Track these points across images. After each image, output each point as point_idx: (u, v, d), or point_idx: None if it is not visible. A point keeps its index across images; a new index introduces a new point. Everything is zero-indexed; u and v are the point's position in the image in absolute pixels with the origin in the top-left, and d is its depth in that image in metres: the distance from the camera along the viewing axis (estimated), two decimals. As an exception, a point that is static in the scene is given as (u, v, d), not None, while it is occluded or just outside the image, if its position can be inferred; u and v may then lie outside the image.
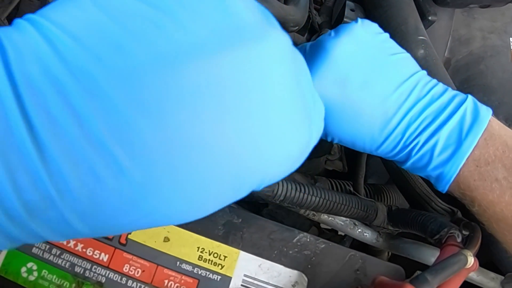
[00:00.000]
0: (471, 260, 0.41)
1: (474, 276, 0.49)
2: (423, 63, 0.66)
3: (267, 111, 0.24)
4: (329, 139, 0.45)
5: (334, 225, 0.53)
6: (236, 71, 0.22)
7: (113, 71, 0.21)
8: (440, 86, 0.42)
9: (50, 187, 0.20)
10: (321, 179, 0.59)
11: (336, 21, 0.76)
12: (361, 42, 0.42)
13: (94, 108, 0.20)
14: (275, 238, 0.41)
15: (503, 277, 0.50)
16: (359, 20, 0.44)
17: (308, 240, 0.41)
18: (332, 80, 0.41)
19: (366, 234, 0.53)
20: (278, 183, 0.45)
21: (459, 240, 0.45)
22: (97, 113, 0.20)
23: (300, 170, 0.64)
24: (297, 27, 0.63)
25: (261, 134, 0.23)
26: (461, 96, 0.42)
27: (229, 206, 0.42)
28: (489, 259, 0.56)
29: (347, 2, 0.76)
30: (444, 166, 0.41)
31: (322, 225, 0.73)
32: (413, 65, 0.44)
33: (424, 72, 0.43)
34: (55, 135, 0.20)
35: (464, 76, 0.76)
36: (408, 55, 0.44)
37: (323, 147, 0.67)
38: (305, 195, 0.46)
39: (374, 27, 0.45)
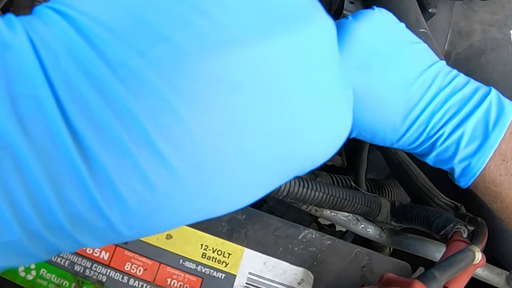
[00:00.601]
0: (479, 256, 0.41)
1: (480, 272, 0.49)
2: (424, 57, 0.65)
3: (316, 95, 0.24)
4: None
5: (337, 221, 0.52)
6: (286, 55, 0.22)
7: (159, 65, 0.19)
8: (462, 77, 0.41)
9: (98, 198, 0.19)
10: (322, 174, 0.59)
11: (335, 14, 0.75)
12: (380, 28, 0.41)
13: (142, 109, 0.19)
14: (280, 235, 0.40)
15: (508, 273, 0.50)
16: (376, 8, 0.42)
17: (313, 236, 0.40)
18: (354, 65, 0.40)
19: (369, 230, 0.52)
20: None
21: (465, 235, 0.44)
22: (146, 114, 0.19)
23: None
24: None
25: (311, 117, 0.23)
26: (484, 88, 0.41)
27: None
28: (492, 254, 0.56)
29: (347, -6, 0.75)
30: (471, 158, 0.40)
31: (322, 221, 0.73)
32: (432, 55, 0.43)
33: (444, 62, 0.42)
34: (101, 142, 0.18)
35: (464, 69, 0.75)
36: (426, 45, 0.43)
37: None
38: (308, 190, 0.45)
39: (391, 16, 0.43)
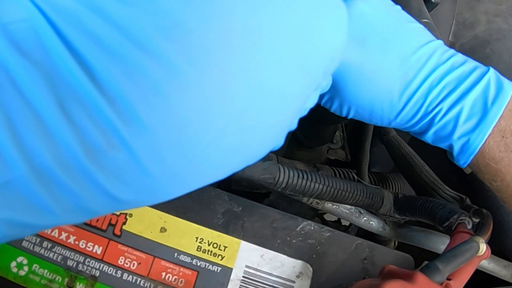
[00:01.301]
0: (483, 247, 0.39)
1: (486, 264, 0.48)
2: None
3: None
4: (344, 111, 0.43)
5: (339, 214, 0.51)
6: None
7: None
8: (460, 56, 0.41)
9: (112, 116, 0.18)
10: (324, 167, 0.57)
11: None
12: (376, 7, 0.41)
13: (141, 16, 0.18)
14: (277, 226, 0.39)
15: (515, 265, 0.48)
16: None
17: (312, 228, 0.39)
18: (351, 39, 0.40)
19: (372, 223, 0.51)
20: (279, 169, 0.43)
21: (469, 227, 0.43)
22: (146, 20, 0.18)
23: (302, 159, 0.63)
24: None
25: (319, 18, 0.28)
26: (482, 67, 0.41)
27: (228, 194, 0.40)
28: (498, 248, 0.54)
29: (348, -14, 0.74)
30: (470, 134, 0.40)
31: (326, 216, 0.72)
32: (429, 34, 0.43)
33: (441, 41, 0.42)
34: (103, 53, 0.17)
35: (469, 60, 0.74)
36: (423, 26, 0.43)
37: (326, 134, 0.65)
38: (308, 182, 0.44)
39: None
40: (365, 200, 0.47)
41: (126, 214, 0.39)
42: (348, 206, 0.51)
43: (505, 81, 0.41)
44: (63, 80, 0.17)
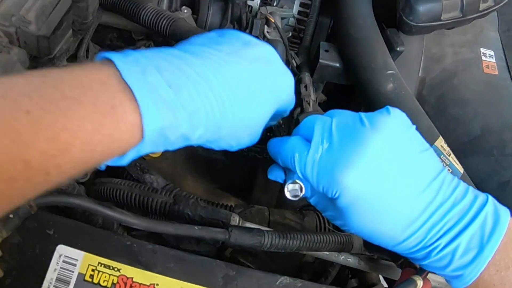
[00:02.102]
0: (421, 283, 0.50)
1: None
2: (393, 96, 0.74)
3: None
4: (346, 229, 0.47)
5: (321, 256, 0.64)
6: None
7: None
8: (462, 186, 0.43)
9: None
10: (309, 214, 0.70)
11: (313, 60, 0.85)
12: (393, 135, 0.42)
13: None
14: (262, 283, 0.53)
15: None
16: (391, 110, 0.44)
17: (288, 281, 0.53)
18: (365, 172, 0.41)
19: (349, 260, 0.64)
20: (264, 235, 0.56)
21: (418, 267, 0.54)
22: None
23: (289, 206, 0.75)
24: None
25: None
26: (482, 197, 0.43)
27: (225, 263, 0.53)
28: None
29: (321, 43, 0.84)
30: (464, 269, 0.41)
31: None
32: (437, 163, 0.44)
33: (446, 170, 0.44)
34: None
35: (439, 92, 0.83)
36: (432, 151, 0.45)
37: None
38: (288, 241, 0.57)
39: (404, 119, 0.45)
40: (337, 246, 0.60)
41: (154, 284, 0.54)
42: (330, 249, 0.64)
43: (501, 210, 0.42)
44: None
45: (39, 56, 0.55)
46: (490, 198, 0.43)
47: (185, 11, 0.78)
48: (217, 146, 0.44)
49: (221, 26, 0.84)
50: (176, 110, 0.36)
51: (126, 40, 0.82)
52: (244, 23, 0.83)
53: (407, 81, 0.80)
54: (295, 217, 0.71)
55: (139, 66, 0.35)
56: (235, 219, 0.62)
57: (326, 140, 0.43)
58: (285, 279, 0.53)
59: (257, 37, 0.79)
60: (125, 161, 0.37)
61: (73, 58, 0.73)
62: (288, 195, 0.47)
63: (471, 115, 0.78)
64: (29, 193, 0.32)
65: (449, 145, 0.71)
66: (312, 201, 0.50)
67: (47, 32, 0.52)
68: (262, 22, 0.80)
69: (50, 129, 0.29)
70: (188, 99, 0.36)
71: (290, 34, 0.91)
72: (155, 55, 0.37)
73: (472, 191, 0.43)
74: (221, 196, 0.85)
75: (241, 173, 0.85)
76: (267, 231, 0.57)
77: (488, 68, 0.82)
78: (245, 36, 0.46)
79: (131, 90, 0.33)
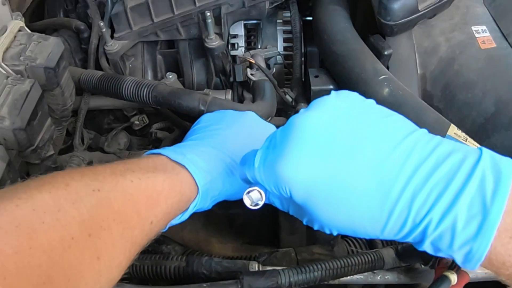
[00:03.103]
0: (455, 278, 0.45)
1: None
2: (391, 100, 0.71)
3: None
4: (327, 231, 0.42)
5: (355, 281, 0.58)
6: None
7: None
8: (445, 144, 0.36)
9: None
10: (338, 242, 0.65)
11: (309, 90, 0.83)
12: (338, 111, 0.38)
13: None
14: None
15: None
16: (333, 92, 0.41)
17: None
18: (311, 157, 0.37)
19: (387, 277, 0.58)
20: (279, 273, 0.52)
21: (450, 262, 0.49)
22: None
23: (320, 241, 0.70)
24: (269, 118, 0.73)
25: None
26: (474, 151, 0.35)
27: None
28: None
29: (309, 70, 0.83)
30: (472, 242, 0.33)
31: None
32: (409, 125, 0.38)
33: (424, 130, 0.37)
34: None
35: (442, 83, 0.79)
36: (401, 116, 0.39)
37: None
38: (308, 274, 0.52)
39: (353, 95, 0.41)
40: (367, 266, 0.55)
41: None
42: (362, 271, 0.58)
43: (503, 162, 0.34)
44: None
45: (21, 149, 0.55)
46: (485, 150, 0.35)
47: (170, 76, 0.79)
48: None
49: (208, 82, 0.85)
50: (208, 173, 0.49)
51: (121, 119, 0.84)
52: (228, 72, 0.83)
53: (407, 82, 0.77)
54: (323, 249, 0.67)
55: (178, 151, 0.50)
56: (254, 267, 0.58)
57: (272, 142, 0.42)
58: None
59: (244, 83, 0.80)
60: (186, 215, 0.49)
61: (70, 148, 0.75)
62: (247, 203, 0.44)
63: (480, 94, 0.73)
64: (142, 240, 0.42)
65: (467, 132, 0.67)
66: (284, 209, 0.50)
67: (22, 125, 0.53)
68: (243, 66, 0.80)
69: (147, 190, 0.42)
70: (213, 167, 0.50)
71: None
72: (181, 146, 0.54)
73: (460, 147, 0.36)
74: (251, 250, 0.81)
75: (263, 222, 0.81)
76: (282, 269, 0.53)
77: (485, 43, 0.77)
78: (232, 113, 0.63)
79: (181, 164, 0.47)
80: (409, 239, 0.36)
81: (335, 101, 0.40)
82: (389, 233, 0.36)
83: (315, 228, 0.44)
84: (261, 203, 0.45)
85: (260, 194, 0.44)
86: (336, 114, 0.38)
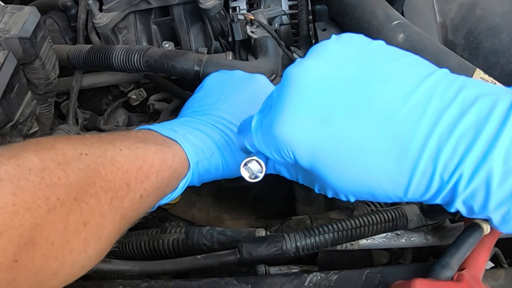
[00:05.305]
0: (487, 227, 0.38)
1: None
2: (408, 45, 0.64)
3: None
4: (343, 198, 0.37)
5: (377, 245, 0.51)
6: None
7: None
8: (470, 87, 0.30)
9: None
10: (358, 206, 0.58)
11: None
12: (339, 58, 0.33)
13: None
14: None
15: None
16: (333, 36, 0.36)
17: (319, 277, 0.41)
18: (311, 113, 0.32)
19: (413, 239, 0.50)
20: (284, 237, 0.46)
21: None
22: None
23: (338, 206, 0.63)
24: (274, 75, 0.66)
25: None
26: (506, 93, 0.30)
27: (235, 278, 0.43)
28: None
29: (316, 23, 0.76)
30: (509, 202, 0.29)
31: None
32: (425, 65, 0.33)
33: (445, 70, 0.32)
34: None
35: (465, 30, 0.72)
36: (417, 57, 0.34)
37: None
38: (317, 237, 0.45)
39: (356, 37, 0.36)
40: (388, 225, 0.47)
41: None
42: (384, 234, 0.51)
43: None
44: None
45: (-1, 125, 0.51)
46: None
47: (167, 45, 0.74)
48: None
49: (207, 47, 0.79)
50: (201, 150, 0.45)
51: (119, 97, 0.79)
52: (227, 33, 0.77)
53: (426, 31, 0.70)
54: (341, 215, 0.59)
55: (168, 127, 0.46)
56: (260, 233, 0.52)
57: (268, 103, 0.37)
58: (315, 276, 0.42)
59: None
60: (175, 194, 0.44)
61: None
62: (246, 176, 0.39)
63: (508, 39, 0.67)
64: (132, 215, 0.38)
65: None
66: (293, 178, 0.43)
67: (-5, 98, 0.48)
68: (241, 24, 0.73)
69: (137, 161, 0.38)
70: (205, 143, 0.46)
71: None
72: (173, 123, 0.49)
73: (490, 88, 0.31)
74: (267, 224, 0.75)
75: (278, 193, 0.75)
76: (288, 234, 0.46)
77: (508, -18, 0.69)
78: (239, 75, 0.58)
79: (172, 139, 0.44)
80: (438, 200, 0.32)
81: (336, 47, 0.34)
82: (414, 194, 0.32)
83: (329, 195, 0.38)
84: (261, 175, 0.39)
85: (260, 164, 0.38)
86: (338, 61, 0.33)
